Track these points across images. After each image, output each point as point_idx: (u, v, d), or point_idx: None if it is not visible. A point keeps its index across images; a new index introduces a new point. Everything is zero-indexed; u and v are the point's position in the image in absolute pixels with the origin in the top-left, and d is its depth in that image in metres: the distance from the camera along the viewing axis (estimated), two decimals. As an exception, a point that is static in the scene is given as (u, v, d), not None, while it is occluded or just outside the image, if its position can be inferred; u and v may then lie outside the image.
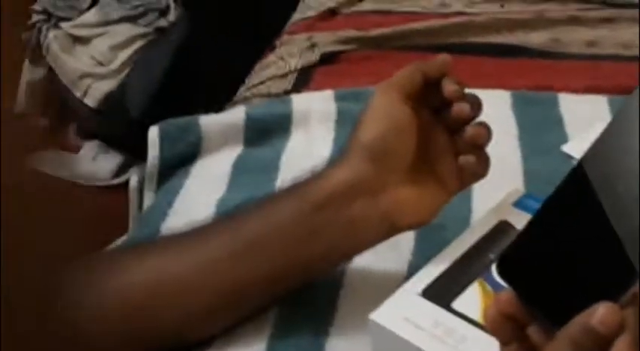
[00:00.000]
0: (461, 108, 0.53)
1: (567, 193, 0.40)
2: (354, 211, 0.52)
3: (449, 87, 0.54)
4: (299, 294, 0.61)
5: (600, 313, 0.35)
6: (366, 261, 0.65)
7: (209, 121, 0.82)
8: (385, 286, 0.60)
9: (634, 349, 0.35)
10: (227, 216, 0.60)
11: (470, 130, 0.53)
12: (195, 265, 0.53)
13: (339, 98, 0.88)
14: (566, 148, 0.75)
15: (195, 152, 0.81)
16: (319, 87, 0.93)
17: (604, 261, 0.37)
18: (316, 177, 0.54)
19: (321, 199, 0.52)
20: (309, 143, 0.81)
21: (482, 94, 0.84)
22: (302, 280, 0.56)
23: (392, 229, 0.56)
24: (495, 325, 0.39)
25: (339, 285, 0.62)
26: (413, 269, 0.62)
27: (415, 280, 0.57)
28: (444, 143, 0.56)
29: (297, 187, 0.55)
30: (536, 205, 0.61)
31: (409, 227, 0.57)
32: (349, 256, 0.58)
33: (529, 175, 0.72)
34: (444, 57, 0.55)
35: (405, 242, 0.66)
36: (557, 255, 0.39)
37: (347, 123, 0.85)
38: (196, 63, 1.59)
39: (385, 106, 0.53)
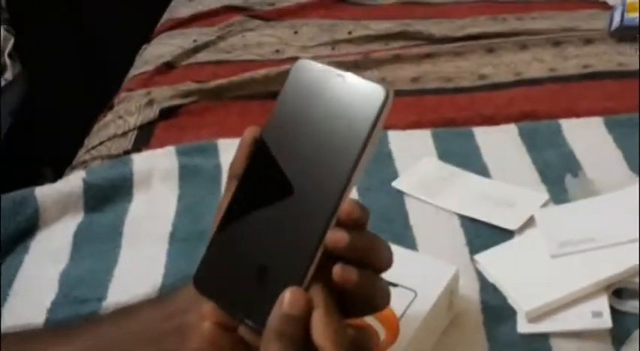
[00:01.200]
0: None
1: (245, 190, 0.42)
2: (184, 325, 0.47)
3: None
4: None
5: (287, 298, 0.39)
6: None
7: (45, 192, 0.80)
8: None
9: (329, 319, 0.39)
10: (88, 318, 0.58)
11: None
12: None
13: (181, 153, 0.89)
14: (396, 183, 0.79)
15: (33, 226, 0.79)
16: (161, 143, 0.93)
17: (282, 251, 0.40)
18: (176, 290, 0.50)
19: (169, 310, 0.48)
20: (153, 204, 0.81)
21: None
22: None
23: None
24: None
25: None
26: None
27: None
28: None
29: (159, 298, 0.54)
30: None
31: None
32: None
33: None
34: None
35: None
36: (240, 258, 0.42)
37: (190, 178, 0.85)
38: (37, 123, 1.54)
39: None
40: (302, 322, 0.39)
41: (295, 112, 0.41)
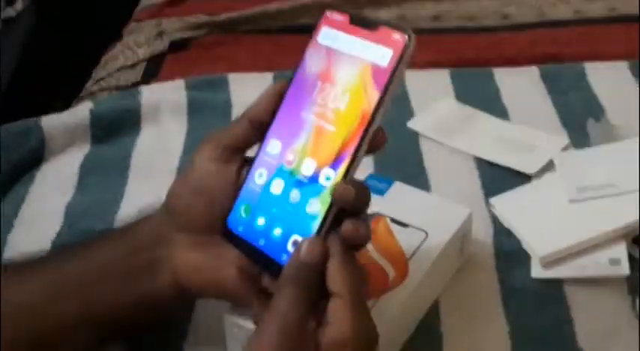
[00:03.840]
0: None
1: None
2: (153, 261, 0.48)
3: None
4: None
5: (304, 247, 0.41)
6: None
7: (51, 122, 0.78)
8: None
9: (344, 266, 0.41)
10: (53, 251, 0.59)
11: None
12: (12, 306, 0.47)
13: (190, 87, 0.86)
14: (411, 123, 0.77)
15: (39, 156, 0.77)
16: (170, 76, 0.90)
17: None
18: (136, 222, 0.51)
19: (133, 245, 0.49)
20: (161, 137, 0.79)
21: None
22: (119, 325, 0.50)
23: (183, 293, 0.48)
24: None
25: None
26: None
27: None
28: None
29: (119, 231, 0.52)
30: (379, 185, 0.63)
31: (200, 294, 0.50)
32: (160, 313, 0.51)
33: (376, 154, 0.73)
34: (264, 103, 0.47)
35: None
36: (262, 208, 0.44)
37: (200, 112, 0.83)
38: (46, 55, 1.51)
39: (196, 164, 0.47)
40: (317, 269, 0.40)
41: (321, 57, 0.43)
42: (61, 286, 0.48)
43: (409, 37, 0.40)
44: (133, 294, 0.48)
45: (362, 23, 0.41)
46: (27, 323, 0.47)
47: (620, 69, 0.83)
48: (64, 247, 0.60)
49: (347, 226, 0.41)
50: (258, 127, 0.46)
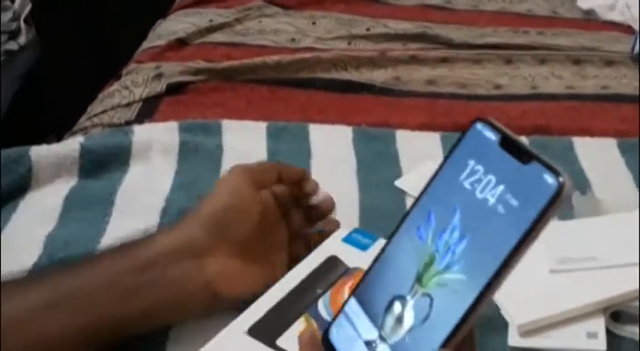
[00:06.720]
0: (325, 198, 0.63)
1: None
2: (177, 273, 0.53)
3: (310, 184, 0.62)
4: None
5: None
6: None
7: (41, 153, 0.78)
8: (214, 325, 0.59)
9: None
10: (56, 266, 0.60)
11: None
12: (12, 320, 0.49)
13: (183, 129, 0.87)
14: (399, 182, 0.77)
15: (25, 185, 0.77)
16: (164, 118, 0.91)
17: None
18: (146, 238, 0.56)
19: (145, 260, 0.53)
20: (149, 176, 0.79)
21: (325, 128, 0.88)
22: (119, 337, 0.54)
23: (214, 299, 0.56)
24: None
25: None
26: (244, 306, 0.61)
27: (242, 317, 0.56)
28: (282, 238, 0.60)
29: (125, 247, 0.56)
30: (363, 240, 0.63)
31: (232, 298, 0.57)
32: (169, 320, 0.57)
33: (364, 209, 0.74)
34: (301, 171, 0.63)
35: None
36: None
37: (190, 155, 0.83)
38: (45, 88, 1.53)
39: (234, 185, 0.57)
40: None
41: (462, 172, 0.38)
42: (63, 299, 0.50)
43: (563, 182, 0.33)
44: (127, 311, 0.50)
45: (512, 150, 0.36)
46: (26, 337, 0.48)
47: (608, 146, 0.84)
48: (64, 263, 0.63)
49: None
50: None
